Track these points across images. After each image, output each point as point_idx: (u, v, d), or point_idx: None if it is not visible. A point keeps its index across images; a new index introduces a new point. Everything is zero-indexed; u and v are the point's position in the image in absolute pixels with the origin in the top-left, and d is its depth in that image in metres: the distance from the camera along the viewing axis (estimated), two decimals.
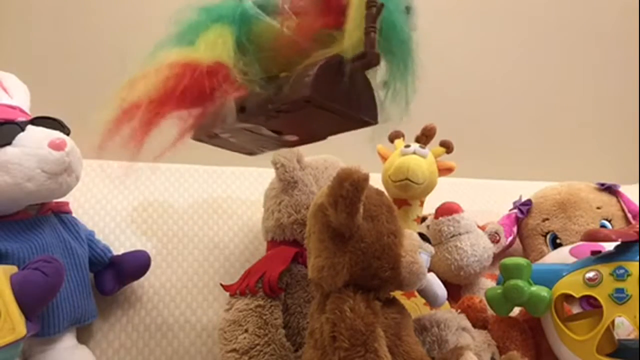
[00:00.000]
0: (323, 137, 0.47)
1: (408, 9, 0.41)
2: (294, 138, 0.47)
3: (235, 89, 0.39)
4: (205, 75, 0.38)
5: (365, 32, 0.36)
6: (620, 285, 0.55)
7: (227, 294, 0.65)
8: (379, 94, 0.41)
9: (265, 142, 0.49)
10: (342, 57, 0.37)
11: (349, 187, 0.48)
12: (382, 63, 0.39)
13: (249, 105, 0.41)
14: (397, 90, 0.41)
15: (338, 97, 0.37)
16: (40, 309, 0.54)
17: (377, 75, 0.41)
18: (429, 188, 0.76)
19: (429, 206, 0.80)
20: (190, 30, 0.42)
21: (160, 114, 0.40)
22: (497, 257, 0.79)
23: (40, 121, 0.62)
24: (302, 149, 0.64)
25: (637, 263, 0.55)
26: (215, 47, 0.40)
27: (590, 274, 0.58)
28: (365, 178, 0.49)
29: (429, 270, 0.59)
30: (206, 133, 0.45)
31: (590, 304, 0.68)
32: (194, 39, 0.41)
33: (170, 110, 0.40)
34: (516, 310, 0.65)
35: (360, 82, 0.39)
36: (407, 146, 0.75)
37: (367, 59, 0.37)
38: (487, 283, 0.79)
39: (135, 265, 0.71)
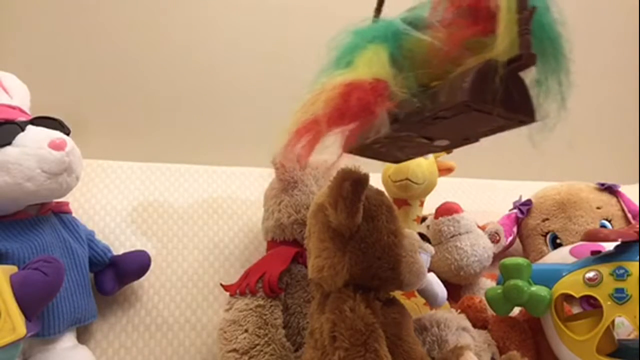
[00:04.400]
0: (475, 140, 0.49)
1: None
2: (444, 143, 0.48)
3: (392, 102, 0.42)
4: (367, 92, 0.41)
5: (520, 34, 0.37)
6: (620, 285, 0.55)
7: (227, 294, 0.65)
8: (533, 92, 0.42)
9: (413, 149, 0.51)
10: (497, 61, 0.38)
11: (349, 187, 0.48)
12: None
13: (403, 115, 0.42)
14: (550, 87, 0.42)
15: (495, 99, 0.38)
16: (41, 309, 0.54)
17: (529, 74, 0.41)
18: (429, 188, 0.76)
19: (429, 206, 0.80)
20: (348, 52, 0.45)
21: (328, 129, 0.43)
22: (497, 257, 0.79)
23: (40, 121, 0.62)
24: None
25: (637, 263, 0.55)
26: (373, 65, 0.43)
27: (590, 274, 0.58)
28: (365, 178, 0.49)
29: (429, 270, 0.59)
30: (358, 145, 0.46)
31: (591, 304, 0.68)
32: (352, 60, 0.44)
33: (338, 125, 0.43)
34: (516, 310, 0.65)
35: (515, 83, 0.40)
36: None
37: (523, 60, 0.37)
38: (487, 283, 0.80)
39: (135, 265, 0.71)
